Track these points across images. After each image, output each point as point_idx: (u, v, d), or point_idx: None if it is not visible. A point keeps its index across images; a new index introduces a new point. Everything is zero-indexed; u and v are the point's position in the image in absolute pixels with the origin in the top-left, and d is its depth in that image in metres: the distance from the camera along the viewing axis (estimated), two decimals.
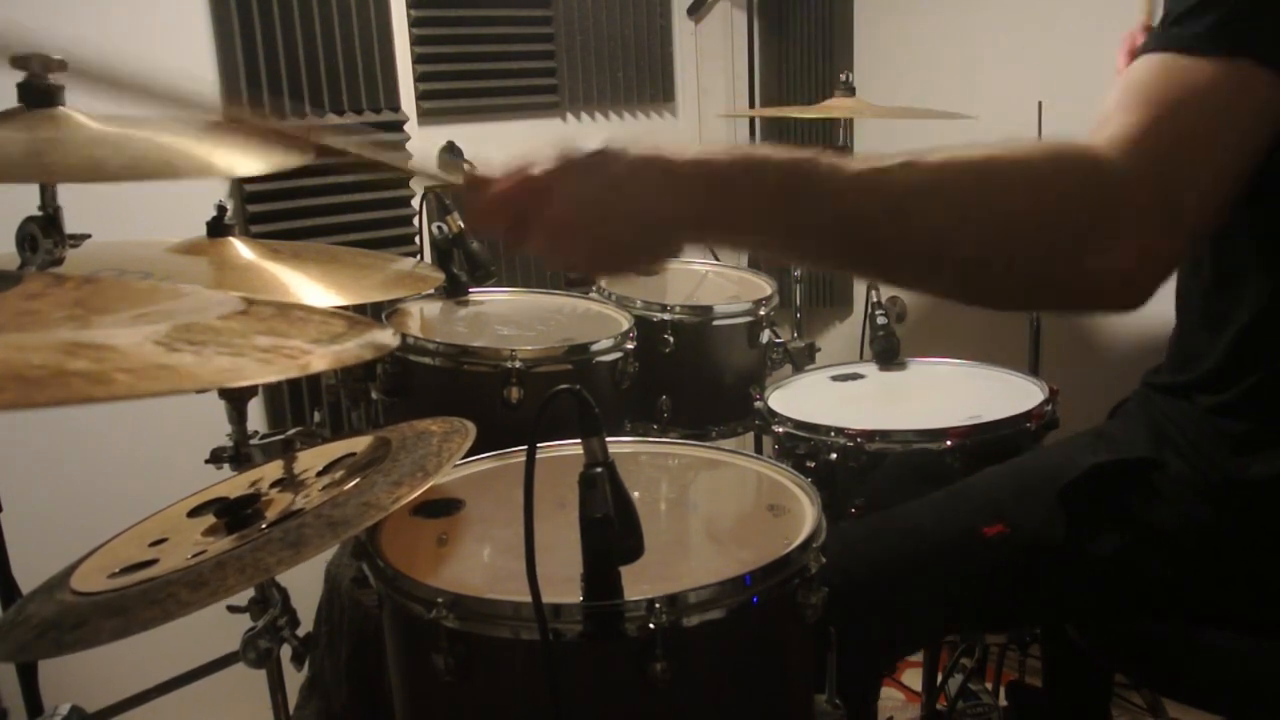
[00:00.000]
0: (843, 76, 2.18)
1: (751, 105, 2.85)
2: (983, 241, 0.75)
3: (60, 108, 1.13)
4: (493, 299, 1.77)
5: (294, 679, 1.34)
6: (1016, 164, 0.76)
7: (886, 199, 0.75)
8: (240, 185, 2.11)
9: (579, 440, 0.83)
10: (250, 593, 1.26)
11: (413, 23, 2.35)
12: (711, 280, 2.07)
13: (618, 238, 0.78)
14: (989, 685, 1.84)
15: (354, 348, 0.80)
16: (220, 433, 1.31)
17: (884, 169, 0.75)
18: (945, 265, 0.77)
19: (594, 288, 1.80)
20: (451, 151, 2.42)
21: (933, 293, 0.82)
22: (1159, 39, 0.82)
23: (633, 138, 0.77)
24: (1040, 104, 1.99)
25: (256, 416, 1.91)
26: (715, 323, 1.82)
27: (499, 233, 0.79)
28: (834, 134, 2.43)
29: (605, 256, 0.80)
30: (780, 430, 1.54)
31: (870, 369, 1.80)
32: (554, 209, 0.76)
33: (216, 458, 1.31)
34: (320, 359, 0.78)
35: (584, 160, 0.76)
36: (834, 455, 1.46)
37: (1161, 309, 1.14)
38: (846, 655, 1.05)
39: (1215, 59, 0.77)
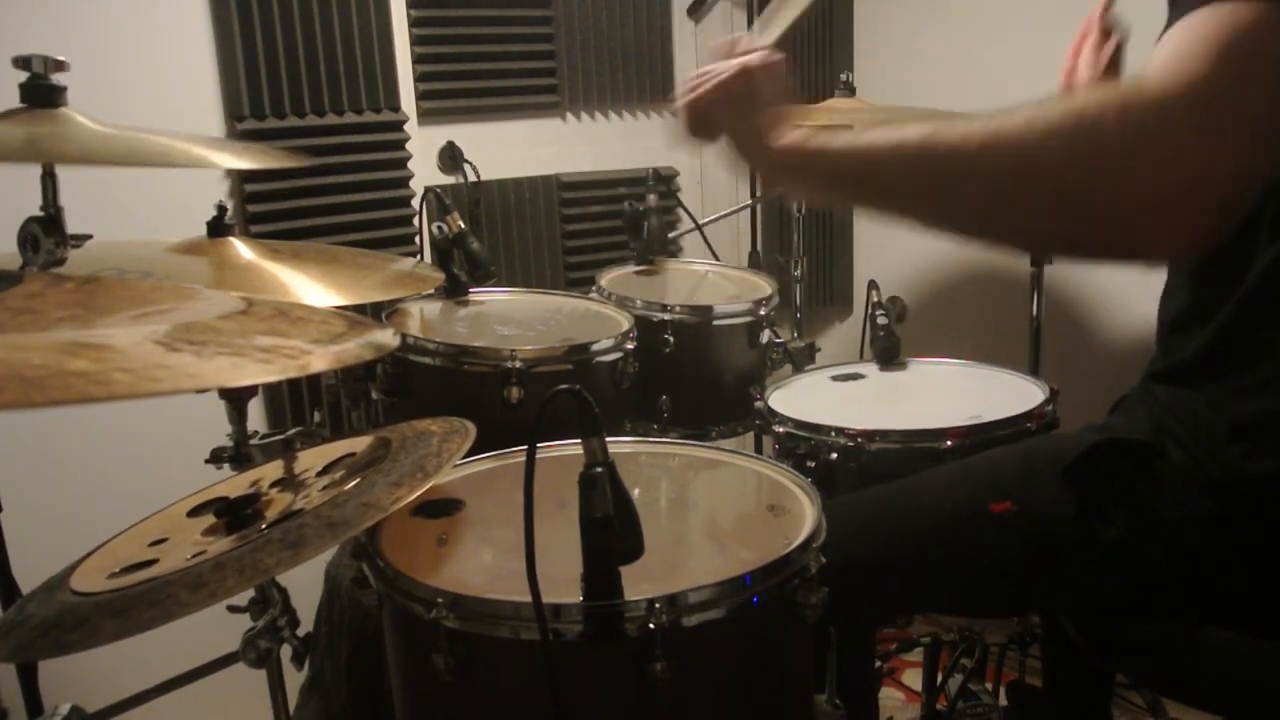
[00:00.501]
0: (843, 76, 2.18)
1: None
2: (1033, 174, 0.79)
3: (62, 108, 1.13)
4: (493, 299, 1.77)
5: (294, 679, 1.34)
6: (1052, 105, 0.78)
7: (955, 153, 0.82)
8: (240, 185, 2.11)
9: (579, 440, 0.83)
10: (250, 593, 1.26)
11: (413, 23, 2.35)
12: (711, 280, 2.07)
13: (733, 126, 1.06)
14: (989, 685, 1.84)
15: (354, 348, 0.81)
16: (220, 433, 1.31)
17: (947, 130, 0.83)
18: (1008, 209, 0.82)
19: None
20: (452, 152, 2.43)
21: (997, 240, 0.88)
22: None
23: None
24: None
25: (256, 416, 1.92)
26: (715, 323, 1.82)
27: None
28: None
29: (723, 126, 1.08)
30: (780, 430, 1.54)
31: (870, 369, 1.80)
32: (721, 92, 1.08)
33: (216, 458, 1.31)
34: (320, 359, 0.78)
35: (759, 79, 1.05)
36: (834, 455, 1.46)
37: None
38: (847, 633, 1.05)
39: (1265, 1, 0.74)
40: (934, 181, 0.85)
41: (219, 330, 0.76)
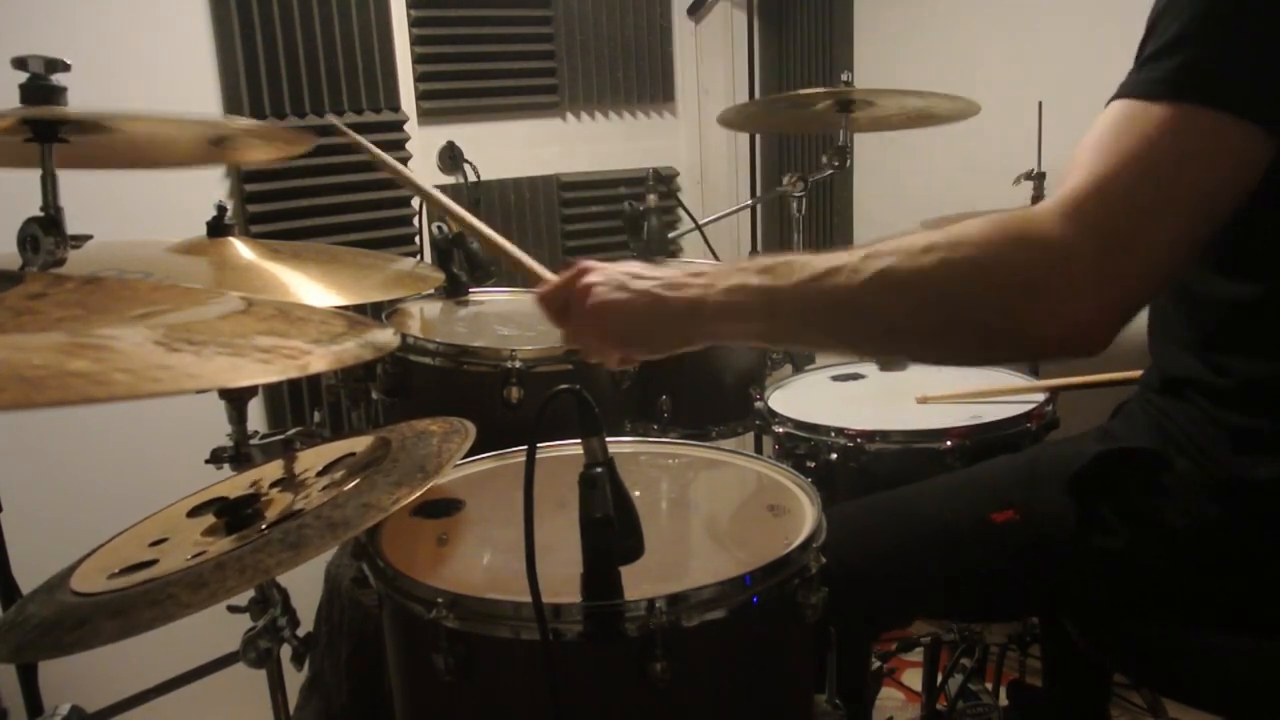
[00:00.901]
0: (843, 76, 2.18)
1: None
2: (931, 323, 0.84)
3: (60, 108, 1.13)
4: (493, 299, 1.77)
5: (294, 679, 1.34)
6: (956, 247, 0.82)
7: (843, 303, 0.87)
8: (240, 185, 2.11)
9: (579, 440, 0.83)
10: (250, 593, 1.26)
11: (413, 23, 2.35)
12: None
13: (629, 336, 1.03)
14: (989, 685, 1.84)
15: (354, 348, 0.81)
16: (220, 433, 1.31)
17: (836, 270, 0.86)
18: (904, 343, 0.90)
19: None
20: (452, 152, 2.44)
21: (901, 359, 0.94)
22: (1129, 84, 0.84)
23: (656, 266, 1.02)
24: (1040, 104, 1.99)
25: (256, 416, 1.92)
26: None
27: (552, 314, 1.04)
28: (834, 135, 2.43)
29: (616, 345, 1.05)
30: (780, 430, 1.54)
31: (870, 369, 1.80)
32: (590, 305, 0.99)
33: (216, 458, 1.31)
34: (320, 359, 0.78)
35: (619, 278, 1.00)
36: (834, 455, 1.46)
37: None
38: (846, 642, 1.05)
39: (1176, 105, 0.78)
40: (828, 320, 0.89)
41: (219, 330, 0.76)
